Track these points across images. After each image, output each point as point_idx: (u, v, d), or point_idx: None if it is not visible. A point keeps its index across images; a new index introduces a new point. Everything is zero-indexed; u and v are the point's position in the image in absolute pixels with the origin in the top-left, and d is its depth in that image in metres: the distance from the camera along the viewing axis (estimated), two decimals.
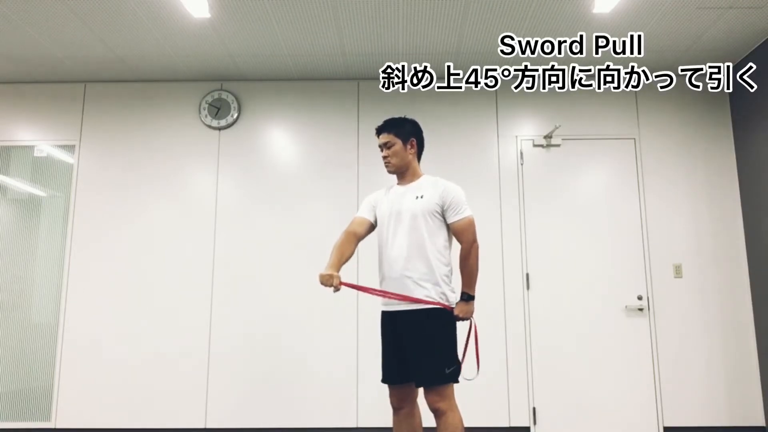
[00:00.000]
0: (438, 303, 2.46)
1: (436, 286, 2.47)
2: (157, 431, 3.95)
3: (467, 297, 2.53)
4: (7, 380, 4.08)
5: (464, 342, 2.60)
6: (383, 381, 2.60)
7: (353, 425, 3.94)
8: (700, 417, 3.91)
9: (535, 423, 3.92)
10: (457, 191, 2.56)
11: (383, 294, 2.54)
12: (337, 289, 2.38)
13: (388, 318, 2.59)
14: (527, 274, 4.09)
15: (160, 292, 4.12)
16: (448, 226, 2.55)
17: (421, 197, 2.54)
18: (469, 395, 3.84)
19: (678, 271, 4.08)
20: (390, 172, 2.69)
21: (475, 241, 2.52)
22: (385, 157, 2.66)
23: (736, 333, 4.01)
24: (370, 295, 2.59)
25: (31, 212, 4.31)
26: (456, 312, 2.50)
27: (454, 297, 2.53)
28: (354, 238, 2.62)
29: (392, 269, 2.52)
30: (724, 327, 4.02)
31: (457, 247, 2.56)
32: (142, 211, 4.23)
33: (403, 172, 2.67)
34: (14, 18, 3.52)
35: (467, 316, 2.53)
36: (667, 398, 3.93)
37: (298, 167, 4.29)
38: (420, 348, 2.45)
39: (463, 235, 2.51)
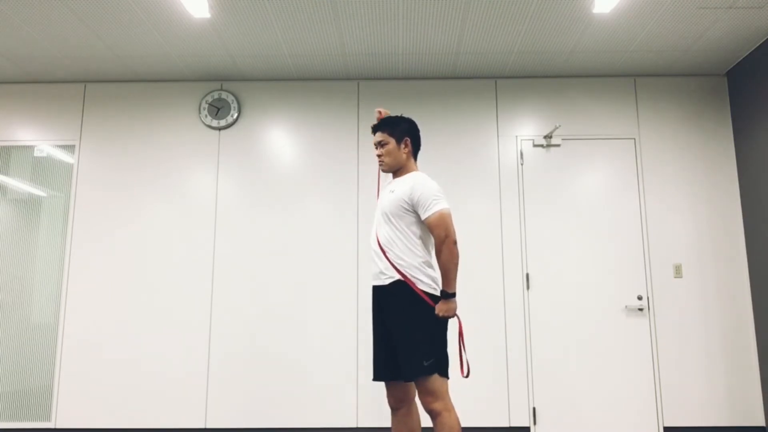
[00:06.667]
0: (406, 278, 2.46)
1: (408, 272, 2.48)
2: (157, 431, 3.95)
3: (445, 295, 2.48)
4: (7, 380, 4.09)
5: (457, 342, 2.59)
6: (374, 379, 2.60)
7: (353, 425, 3.94)
8: (700, 417, 3.91)
9: (535, 423, 3.92)
10: (424, 188, 2.52)
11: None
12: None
13: (374, 295, 2.63)
14: (527, 274, 4.09)
15: (160, 292, 4.12)
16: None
17: (392, 192, 2.59)
18: (469, 395, 3.85)
19: (678, 271, 4.08)
20: (383, 170, 2.73)
21: (448, 236, 2.46)
22: (378, 156, 2.69)
23: (736, 333, 4.01)
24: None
25: (31, 212, 4.31)
26: (437, 311, 2.46)
27: (428, 285, 2.50)
28: None
29: (372, 259, 2.63)
30: (724, 327, 4.02)
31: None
32: (142, 211, 4.23)
33: (396, 171, 2.70)
34: (14, 18, 3.52)
35: (448, 315, 2.48)
36: (667, 398, 3.93)
37: (298, 167, 4.29)
38: (397, 330, 2.47)
39: (434, 231, 2.49)
